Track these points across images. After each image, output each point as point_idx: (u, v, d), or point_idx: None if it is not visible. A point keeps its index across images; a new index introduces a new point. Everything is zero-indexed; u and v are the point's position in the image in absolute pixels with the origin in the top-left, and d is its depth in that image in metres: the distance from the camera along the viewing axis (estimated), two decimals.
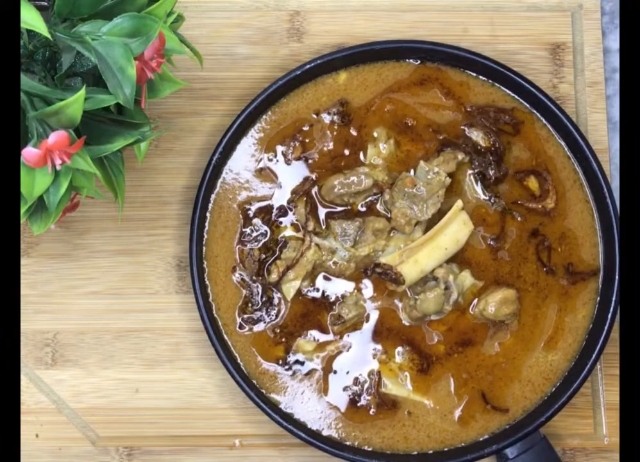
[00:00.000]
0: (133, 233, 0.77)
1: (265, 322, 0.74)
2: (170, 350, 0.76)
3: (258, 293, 0.74)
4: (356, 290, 0.74)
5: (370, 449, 0.73)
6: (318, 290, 0.74)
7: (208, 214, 0.74)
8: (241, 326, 0.74)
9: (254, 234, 0.74)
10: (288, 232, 0.74)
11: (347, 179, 0.74)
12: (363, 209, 0.75)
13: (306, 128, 0.76)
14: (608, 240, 0.74)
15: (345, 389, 0.73)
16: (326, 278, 0.74)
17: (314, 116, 0.76)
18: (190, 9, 0.78)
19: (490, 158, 0.75)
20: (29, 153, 0.54)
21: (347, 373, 0.73)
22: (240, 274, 0.74)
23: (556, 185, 0.75)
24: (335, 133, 0.76)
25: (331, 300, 0.74)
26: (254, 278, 0.74)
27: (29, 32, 0.57)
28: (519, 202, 0.75)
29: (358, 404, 0.73)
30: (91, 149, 0.58)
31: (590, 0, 0.80)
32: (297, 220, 0.74)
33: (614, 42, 0.80)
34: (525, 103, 0.76)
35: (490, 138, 0.75)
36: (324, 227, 0.74)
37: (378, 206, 0.75)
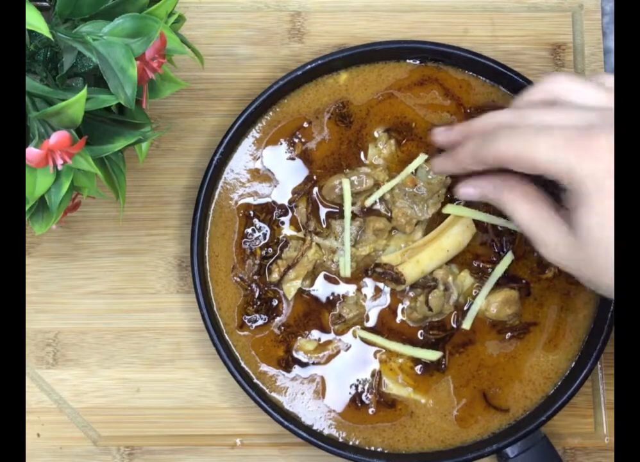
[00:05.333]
0: (134, 233, 0.77)
1: (265, 322, 0.74)
2: (171, 350, 0.76)
3: (259, 293, 0.74)
4: (356, 290, 0.74)
5: (370, 448, 0.73)
6: (318, 289, 0.74)
7: (209, 214, 0.75)
8: (242, 326, 0.74)
9: (255, 234, 0.75)
10: (289, 232, 0.75)
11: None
12: (364, 209, 0.75)
13: (306, 126, 0.76)
14: None
15: (346, 388, 0.73)
16: (327, 278, 0.74)
17: (315, 116, 0.76)
18: (191, 9, 0.79)
19: None
20: (30, 153, 0.54)
21: (348, 372, 0.74)
22: (241, 274, 0.74)
23: None
24: (335, 133, 0.76)
25: (332, 300, 0.74)
26: (255, 277, 0.74)
27: (31, 32, 0.57)
28: None
29: (359, 404, 0.73)
30: (92, 149, 0.58)
31: (591, 1, 0.80)
32: (299, 220, 0.74)
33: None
34: None
35: None
36: (324, 227, 0.74)
37: (379, 206, 0.75)
